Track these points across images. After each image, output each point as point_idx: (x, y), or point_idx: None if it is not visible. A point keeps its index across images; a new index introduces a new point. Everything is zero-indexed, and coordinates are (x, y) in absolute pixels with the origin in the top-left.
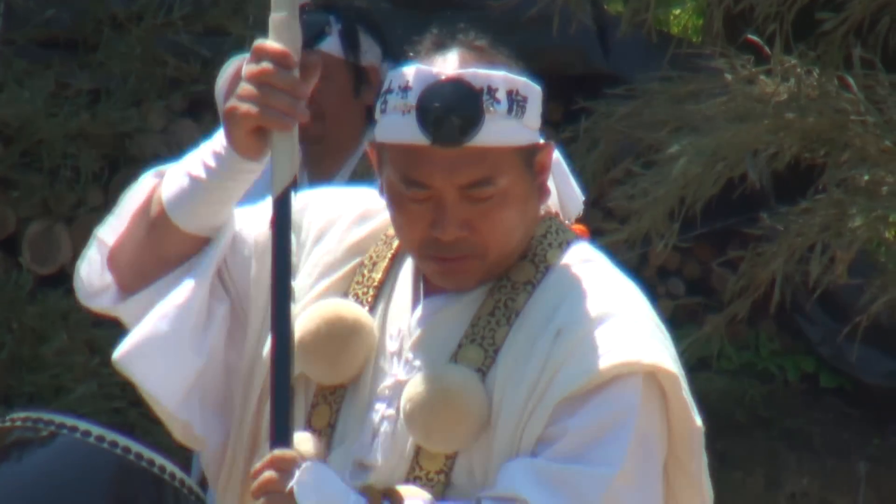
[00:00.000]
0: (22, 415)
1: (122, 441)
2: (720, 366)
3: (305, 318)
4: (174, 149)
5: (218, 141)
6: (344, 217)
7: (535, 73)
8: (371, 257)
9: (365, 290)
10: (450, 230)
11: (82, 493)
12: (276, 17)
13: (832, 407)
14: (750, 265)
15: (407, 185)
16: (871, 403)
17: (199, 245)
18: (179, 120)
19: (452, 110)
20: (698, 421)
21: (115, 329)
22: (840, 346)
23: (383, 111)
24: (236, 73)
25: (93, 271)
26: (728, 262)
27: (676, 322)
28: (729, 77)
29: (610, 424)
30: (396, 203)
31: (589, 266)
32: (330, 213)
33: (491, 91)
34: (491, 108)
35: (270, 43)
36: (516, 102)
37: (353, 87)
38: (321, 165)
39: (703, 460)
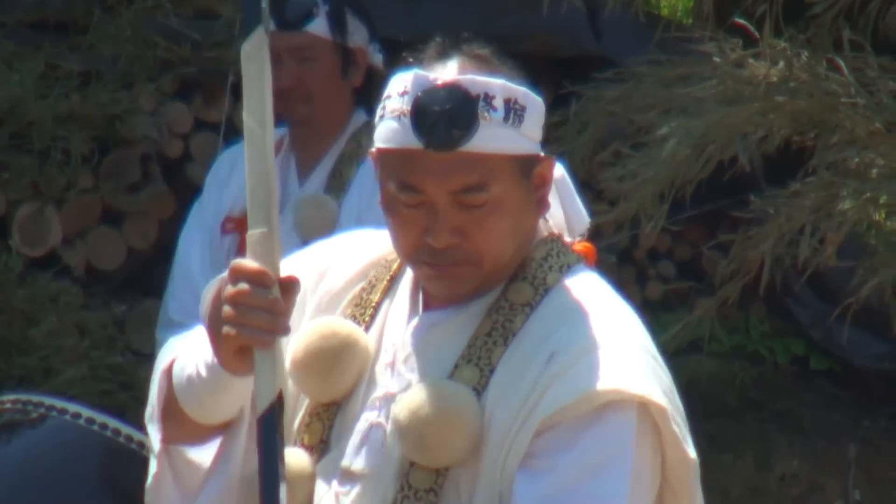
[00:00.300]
0: (12, 397)
1: (112, 423)
2: (710, 348)
3: (301, 334)
4: (164, 131)
5: (210, 353)
6: (341, 256)
7: (525, 55)
8: (371, 281)
9: (362, 310)
10: (442, 236)
11: (72, 474)
12: (252, 234)
13: (822, 389)
14: (740, 248)
15: (401, 190)
16: (861, 386)
17: (234, 418)
18: (170, 102)
19: (446, 114)
20: (692, 454)
21: (104, 311)
22: (830, 329)
23: (381, 117)
24: (217, 294)
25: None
26: (718, 245)
27: (667, 304)
28: (718, 60)
29: (605, 462)
30: (391, 209)
31: (588, 293)
32: (324, 260)
33: (488, 98)
34: (486, 115)
35: (247, 262)
36: (514, 111)
37: (340, 69)
38: (308, 147)
39: (697, 493)
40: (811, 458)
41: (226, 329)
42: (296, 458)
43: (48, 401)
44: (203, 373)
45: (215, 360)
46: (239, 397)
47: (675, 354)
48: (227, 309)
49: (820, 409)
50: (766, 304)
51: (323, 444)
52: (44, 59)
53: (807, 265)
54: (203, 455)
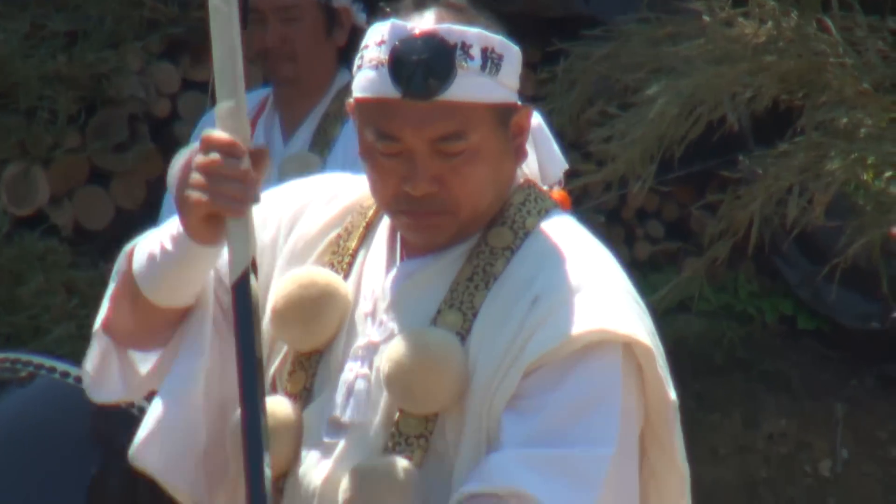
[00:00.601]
0: (0, 356)
1: None
2: (699, 307)
3: (280, 284)
4: (151, 90)
5: (175, 225)
6: (315, 200)
7: (515, 14)
8: (347, 228)
9: (340, 258)
10: (421, 185)
11: (61, 432)
12: (222, 107)
13: (810, 349)
14: (729, 208)
15: (379, 139)
16: (848, 345)
17: (186, 311)
18: (157, 62)
19: (424, 64)
20: (672, 395)
21: (92, 270)
22: (818, 288)
23: (359, 67)
24: (186, 163)
25: (92, 359)
26: (707, 205)
27: (655, 264)
28: (707, 19)
29: (594, 401)
30: (370, 158)
31: (568, 236)
32: (300, 200)
33: (465, 47)
34: (464, 64)
35: (217, 133)
36: (491, 60)
37: (324, 28)
38: (293, 106)
39: (678, 434)
40: (799, 417)
41: (197, 195)
42: (280, 406)
43: (37, 359)
44: (168, 246)
45: (181, 229)
46: (198, 277)
47: (664, 314)
48: (198, 177)
49: (808, 369)
50: (755, 264)
51: (306, 391)
52: (30, 18)
53: (795, 225)
54: (147, 366)
